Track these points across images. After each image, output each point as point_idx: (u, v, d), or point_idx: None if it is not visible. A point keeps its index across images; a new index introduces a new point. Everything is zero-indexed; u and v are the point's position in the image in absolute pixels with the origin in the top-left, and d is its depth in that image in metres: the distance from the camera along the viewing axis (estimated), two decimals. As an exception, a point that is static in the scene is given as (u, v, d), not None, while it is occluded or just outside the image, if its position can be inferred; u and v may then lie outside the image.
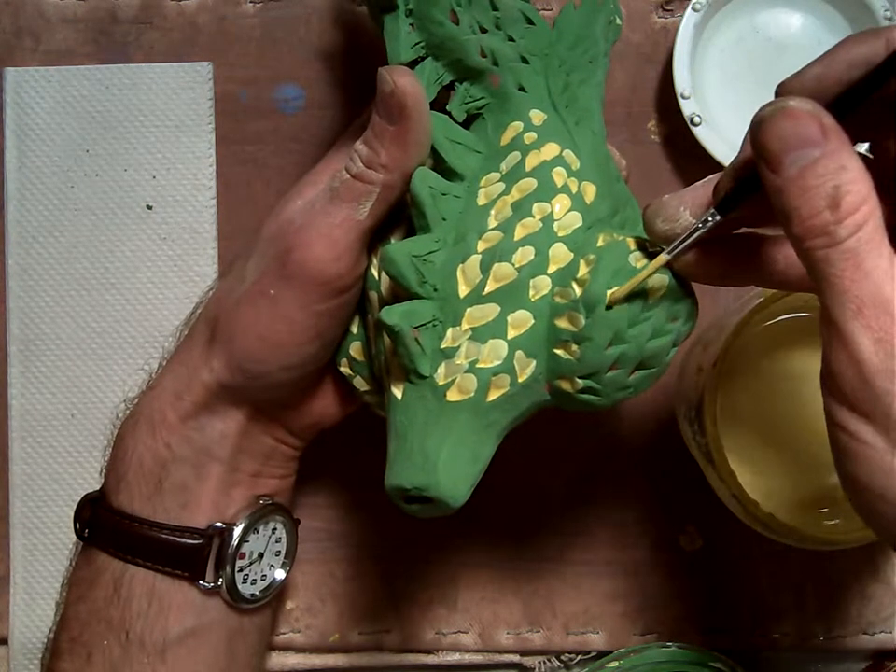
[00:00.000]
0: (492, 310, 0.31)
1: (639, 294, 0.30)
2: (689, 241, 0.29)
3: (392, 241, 0.33)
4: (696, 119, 0.41)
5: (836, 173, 0.25)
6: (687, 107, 0.41)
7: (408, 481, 0.31)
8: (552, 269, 0.31)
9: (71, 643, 0.35)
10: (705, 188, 0.29)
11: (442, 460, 0.30)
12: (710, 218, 0.28)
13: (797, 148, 0.25)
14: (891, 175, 0.28)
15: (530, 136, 0.33)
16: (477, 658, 0.44)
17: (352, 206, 0.32)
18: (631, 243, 0.31)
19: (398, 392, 0.32)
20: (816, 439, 0.40)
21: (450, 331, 0.31)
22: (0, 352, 0.44)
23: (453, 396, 0.31)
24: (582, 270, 0.31)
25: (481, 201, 0.32)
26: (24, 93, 0.44)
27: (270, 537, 0.37)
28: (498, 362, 0.31)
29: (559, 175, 0.32)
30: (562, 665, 0.44)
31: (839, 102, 0.26)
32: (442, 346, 0.31)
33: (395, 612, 0.44)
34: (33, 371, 0.44)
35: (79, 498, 0.36)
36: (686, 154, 0.43)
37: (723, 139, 0.42)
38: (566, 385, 0.32)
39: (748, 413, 0.40)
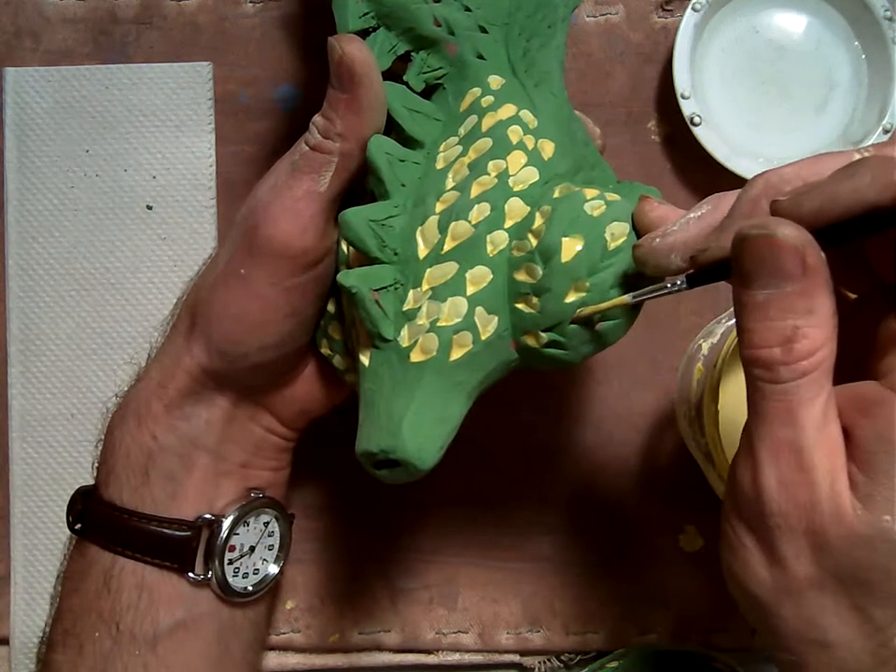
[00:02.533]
0: (451, 268, 0.31)
1: (598, 241, 0.30)
2: (654, 295, 0.29)
3: None
4: (696, 119, 0.41)
5: (801, 314, 0.25)
6: (687, 107, 0.41)
7: (374, 444, 0.30)
8: (508, 224, 0.31)
9: (64, 635, 0.35)
10: (698, 227, 0.28)
11: (407, 421, 0.30)
12: (680, 284, 0.28)
13: (771, 277, 0.25)
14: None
15: (487, 100, 0.33)
16: (477, 658, 0.44)
17: (312, 178, 0.32)
18: (587, 193, 0.31)
19: (365, 359, 0.32)
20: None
21: (411, 293, 0.31)
22: (0, 352, 0.44)
23: (416, 356, 0.31)
24: (538, 221, 0.31)
25: (439, 165, 0.32)
26: (24, 93, 0.44)
27: (262, 531, 0.37)
28: (459, 320, 0.31)
29: (514, 133, 0.32)
30: (562, 665, 0.44)
31: (833, 231, 0.25)
32: (405, 309, 0.31)
33: (395, 612, 0.44)
34: (33, 371, 0.44)
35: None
36: (686, 154, 0.43)
37: (723, 139, 0.42)
38: (531, 341, 0.31)
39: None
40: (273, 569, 0.38)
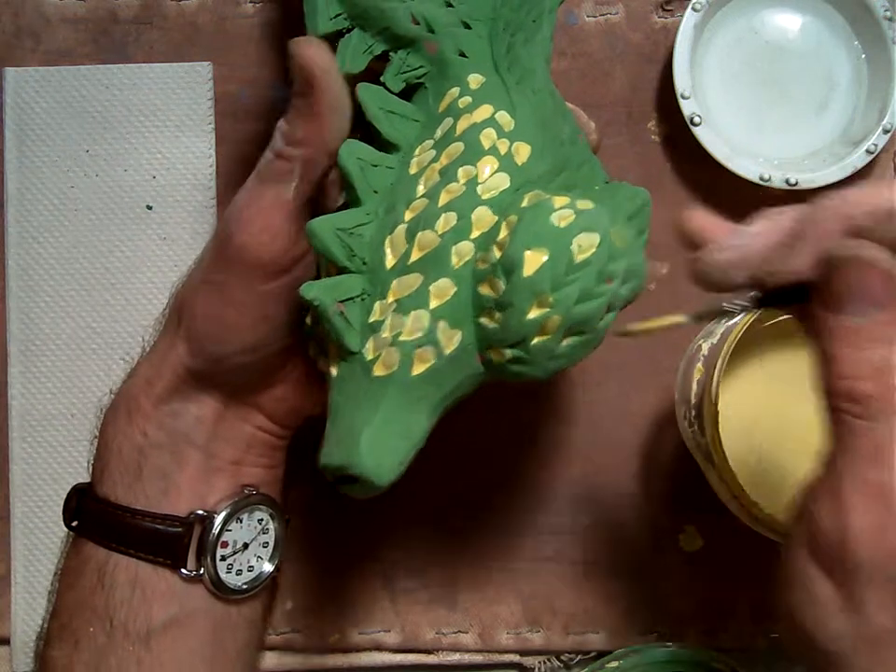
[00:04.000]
0: (415, 280, 0.30)
1: (563, 254, 0.28)
2: (714, 320, 0.28)
3: None
4: (696, 119, 0.41)
5: (892, 345, 0.24)
6: (687, 107, 0.41)
7: (334, 459, 0.30)
8: (475, 234, 0.30)
9: (60, 630, 0.35)
10: (756, 244, 0.27)
11: (366, 437, 0.29)
12: (746, 307, 0.27)
13: (863, 302, 0.24)
14: None
15: (465, 101, 0.32)
16: (477, 658, 0.44)
17: (278, 186, 0.32)
18: (557, 201, 0.29)
19: (333, 370, 0.31)
20: (816, 439, 0.40)
21: (377, 304, 0.30)
22: (0, 352, 0.44)
23: (378, 370, 0.30)
24: (503, 232, 0.29)
25: (412, 170, 0.31)
26: (24, 93, 0.44)
27: (256, 527, 0.37)
28: (421, 334, 0.30)
29: (487, 137, 0.31)
30: (562, 665, 0.44)
31: None
32: (370, 320, 0.30)
33: (395, 612, 0.44)
34: (33, 371, 0.44)
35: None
36: (686, 154, 0.43)
37: (723, 139, 0.42)
38: (495, 356, 0.30)
39: (748, 414, 0.40)
40: (268, 567, 0.38)
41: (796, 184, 0.41)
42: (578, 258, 0.28)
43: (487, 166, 0.30)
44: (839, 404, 0.25)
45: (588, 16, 0.44)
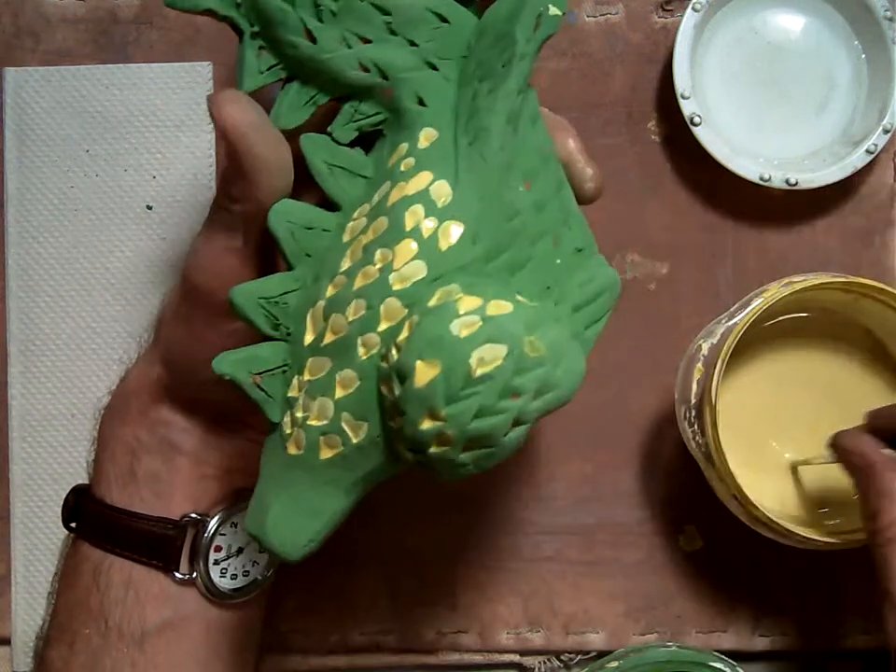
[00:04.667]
0: (324, 364, 0.28)
1: (459, 367, 0.26)
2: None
3: (274, 271, 0.31)
4: (696, 119, 0.41)
5: None
6: (687, 107, 0.41)
7: (248, 528, 0.30)
8: (383, 326, 0.28)
9: (59, 631, 0.35)
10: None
11: (272, 514, 0.29)
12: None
13: None
14: None
15: (408, 162, 0.29)
16: (477, 658, 0.44)
17: (227, 235, 0.31)
18: (465, 304, 0.26)
19: (265, 435, 0.31)
20: (816, 439, 0.40)
21: (295, 380, 0.29)
22: (0, 352, 0.44)
23: (291, 449, 0.29)
24: (404, 333, 0.27)
25: (346, 237, 0.29)
26: (24, 93, 0.44)
27: None
28: (326, 422, 0.28)
29: (412, 215, 0.28)
30: (562, 665, 0.44)
31: None
32: (289, 395, 0.29)
33: (395, 612, 0.44)
34: (33, 371, 0.44)
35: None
36: (686, 154, 0.43)
37: (723, 139, 0.42)
38: (402, 454, 0.28)
39: (748, 414, 0.40)
40: (264, 573, 0.37)
41: (796, 184, 0.41)
42: (477, 372, 0.26)
43: (404, 251, 0.28)
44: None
45: (588, 16, 0.44)
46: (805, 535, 0.36)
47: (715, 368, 0.36)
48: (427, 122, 0.29)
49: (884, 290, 0.37)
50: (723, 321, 0.38)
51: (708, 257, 0.44)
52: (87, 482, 0.37)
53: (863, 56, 0.43)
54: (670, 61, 0.42)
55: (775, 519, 0.36)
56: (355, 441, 0.28)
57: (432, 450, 0.27)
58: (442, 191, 0.28)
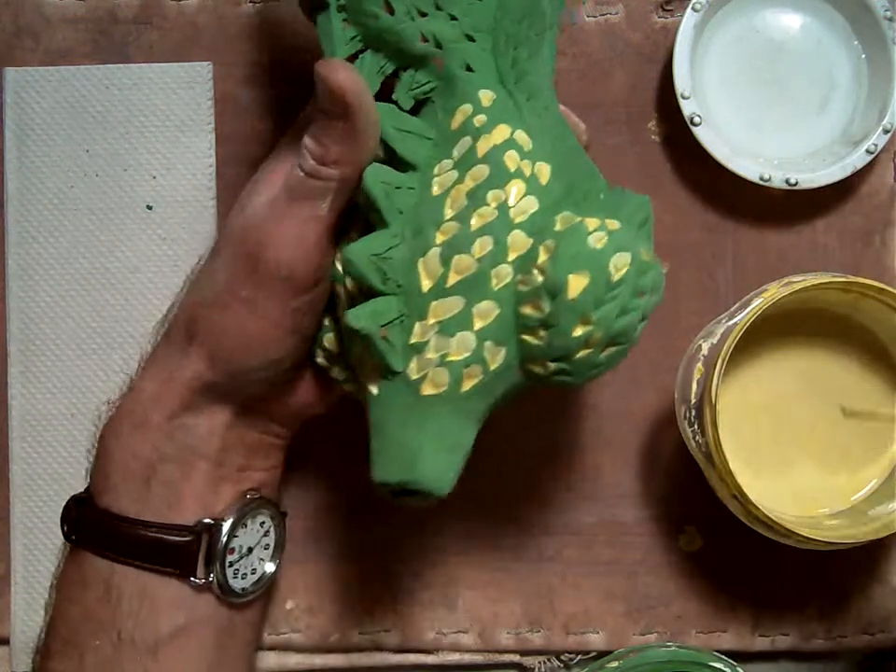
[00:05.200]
0: (457, 302, 0.31)
1: (603, 275, 0.30)
2: None
3: (353, 236, 0.33)
4: (696, 119, 0.41)
5: None
6: (687, 107, 0.41)
7: (392, 476, 0.31)
8: (511, 257, 0.31)
9: (63, 645, 0.35)
10: None
11: (424, 454, 0.31)
12: None
13: None
14: None
15: (480, 119, 0.32)
16: (477, 658, 0.44)
17: (312, 203, 0.32)
18: (589, 224, 0.31)
19: (373, 388, 0.32)
20: (816, 438, 0.40)
21: (417, 326, 0.31)
22: (0, 352, 0.44)
23: (427, 390, 0.31)
24: (542, 256, 0.31)
25: (435, 191, 0.32)
26: (24, 93, 0.44)
27: (259, 531, 0.37)
28: (468, 354, 0.31)
29: (511, 160, 0.32)
30: (562, 665, 0.44)
31: None
32: (412, 341, 0.31)
33: (395, 612, 0.44)
34: (33, 371, 0.44)
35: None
36: (686, 154, 0.43)
37: (723, 139, 0.42)
38: (538, 369, 0.32)
39: (748, 413, 0.40)
40: (270, 568, 0.38)
41: (796, 184, 0.41)
42: (615, 277, 0.30)
43: (514, 190, 0.31)
44: None
45: (588, 16, 0.44)
46: (804, 535, 0.36)
47: (715, 368, 0.36)
48: (479, 85, 0.33)
49: (884, 290, 0.37)
50: (723, 321, 0.38)
51: (708, 257, 0.44)
52: (84, 488, 0.37)
53: (863, 56, 0.43)
54: (670, 61, 0.42)
55: (775, 519, 0.36)
56: (493, 367, 0.31)
57: (579, 355, 0.31)
58: (523, 139, 0.32)
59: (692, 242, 0.44)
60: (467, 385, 0.31)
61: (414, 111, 0.34)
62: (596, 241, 0.30)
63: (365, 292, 0.32)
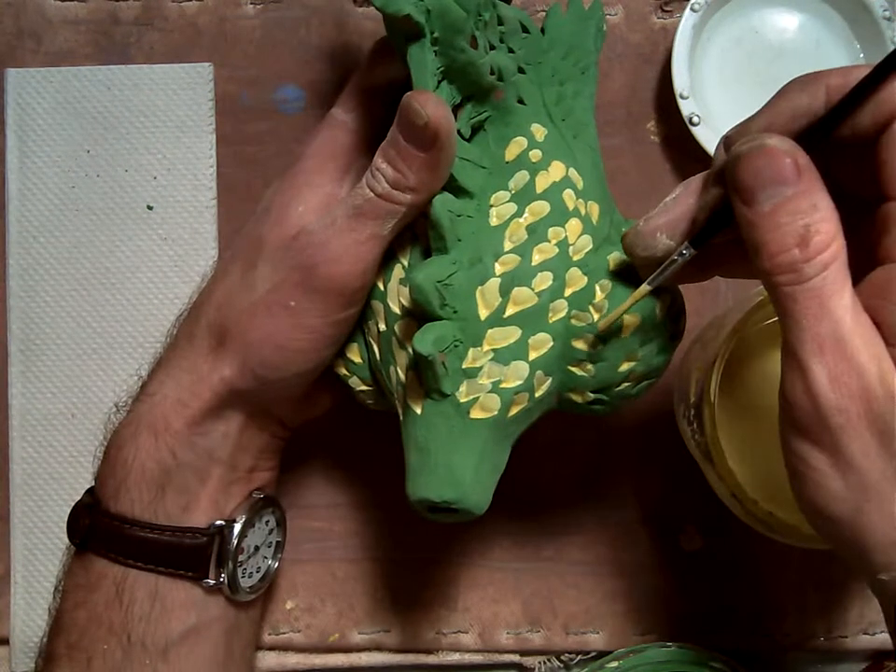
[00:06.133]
0: (513, 332, 0.32)
1: (651, 316, 0.32)
2: (668, 272, 0.30)
3: (401, 259, 0.34)
4: (695, 119, 0.41)
5: (807, 211, 0.26)
6: (686, 107, 0.42)
7: (437, 495, 0.32)
8: (568, 292, 0.33)
9: (69, 649, 0.35)
10: (676, 207, 0.30)
11: (469, 476, 0.32)
12: (685, 251, 0.30)
13: (771, 185, 0.26)
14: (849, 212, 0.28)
15: (535, 154, 0.33)
16: (477, 658, 0.44)
17: (377, 223, 0.32)
18: None
19: (417, 407, 0.33)
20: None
21: (471, 352, 0.32)
22: (0, 352, 0.44)
23: (476, 413, 0.32)
24: (599, 296, 0.32)
25: (493, 221, 0.33)
26: (26, 94, 0.44)
27: (265, 530, 0.38)
28: (520, 382, 0.32)
29: (569, 198, 0.33)
30: (562, 665, 0.44)
31: (801, 139, 0.27)
32: (464, 366, 0.32)
33: (395, 612, 0.44)
34: (33, 371, 0.44)
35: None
36: (685, 154, 0.43)
37: (723, 139, 0.42)
38: (576, 398, 0.34)
39: (747, 413, 0.40)
40: (274, 564, 0.39)
41: (795, 184, 0.41)
42: (659, 318, 0.33)
43: (574, 228, 0.33)
44: (777, 279, 0.26)
45: (587, 17, 0.44)
46: (804, 534, 0.36)
47: (714, 367, 0.36)
48: (531, 119, 0.34)
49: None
50: (723, 321, 0.38)
51: (708, 257, 0.44)
52: (88, 483, 0.37)
53: (862, 56, 0.43)
54: (669, 61, 0.42)
55: (774, 518, 0.36)
56: (538, 394, 0.33)
57: (619, 388, 0.34)
58: (576, 177, 0.34)
59: (691, 242, 0.44)
60: (513, 411, 0.33)
61: (466, 139, 0.34)
62: (646, 283, 0.31)
63: (418, 315, 0.32)
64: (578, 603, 0.44)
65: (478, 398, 0.32)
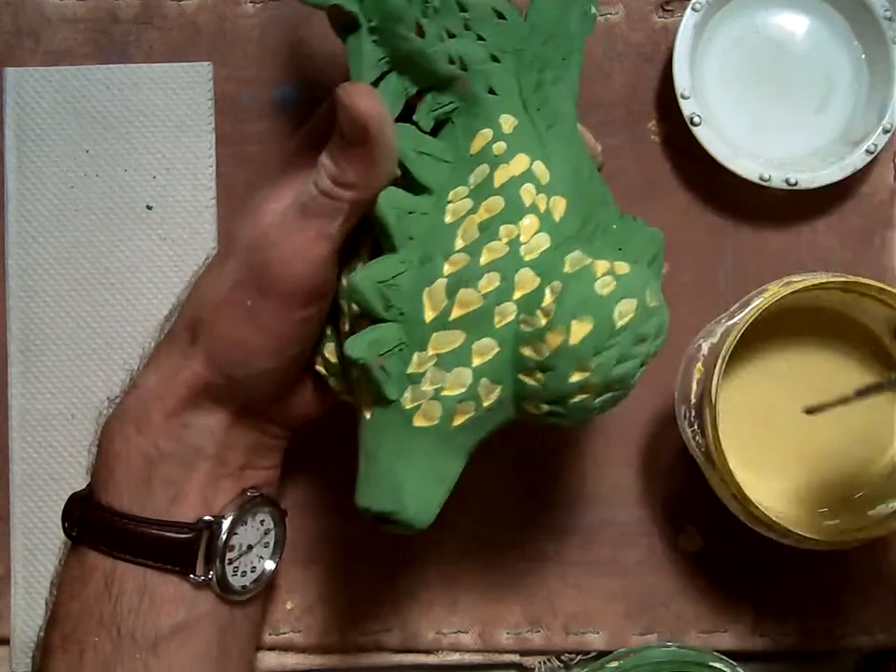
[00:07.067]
0: (457, 336, 0.31)
1: (606, 322, 0.30)
2: (876, 391, 0.31)
3: (362, 254, 0.33)
4: (696, 119, 0.41)
5: None
6: (687, 107, 0.41)
7: (375, 504, 0.31)
8: (517, 295, 0.30)
9: (63, 641, 0.35)
10: None
11: (409, 487, 0.31)
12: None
13: None
14: None
15: (499, 146, 0.32)
16: (477, 658, 0.44)
17: (323, 221, 0.32)
18: (598, 267, 0.30)
19: (367, 413, 0.32)
20: (816, 438, 0.40)
21: (416, 356, 0.31)
22: (0, 352, 0.44)
23: (419, 422, 0.31)
24: (548, 299, 0.30)
25: (448, 218, 0.31)
26: (24, 93, 0.44)
27: (259, 529, 0.37)
28: (463, 390, 0.31)
29: (527, 193, 0.31)
30: (562, 665, 0.44)
31: None
32: (409, 371, 0.31)
33: (395, 612, 0.44)
34: (33, 371, 0.44)
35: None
36: (686, 154, 0.43)
37: (723, 139, 0.42)
38: (531, 409, 0.32)
39: (748, 413, 0.40)
40: (270, 565, 0.38)
41: (796, 184, 0.41)
42: (618, 324, 0.30)
43: (529, 226, 0.31)
44: None
45: (588, 16, 0.44)
46: (804, 535, 0.36)
47: (715, 368, 0.36)
48: (501, 109, 0.32)
49: (884, 290, 0.37)
50: (723, 321, 0.38)
51: (708, 257, 0.44)
52: (83, 487, 0.37)
53: (863, 56, 0.43)
54: (670, 60, 0.42)
55: (774, 519, 0.36)
56: (486, 403, 0.31)
57: (574, 399, 0.31)
58: (541, 170, 0.31)
59: (692, 242, 0.44)
60: (458, 421, 0.31)
61: (434, 131, 0.33)
62: (603, 286, 0.30)
63: (367, 316, 0.32)
64: (578, 603, 0.44)
65: (420, 405, 0.31)
